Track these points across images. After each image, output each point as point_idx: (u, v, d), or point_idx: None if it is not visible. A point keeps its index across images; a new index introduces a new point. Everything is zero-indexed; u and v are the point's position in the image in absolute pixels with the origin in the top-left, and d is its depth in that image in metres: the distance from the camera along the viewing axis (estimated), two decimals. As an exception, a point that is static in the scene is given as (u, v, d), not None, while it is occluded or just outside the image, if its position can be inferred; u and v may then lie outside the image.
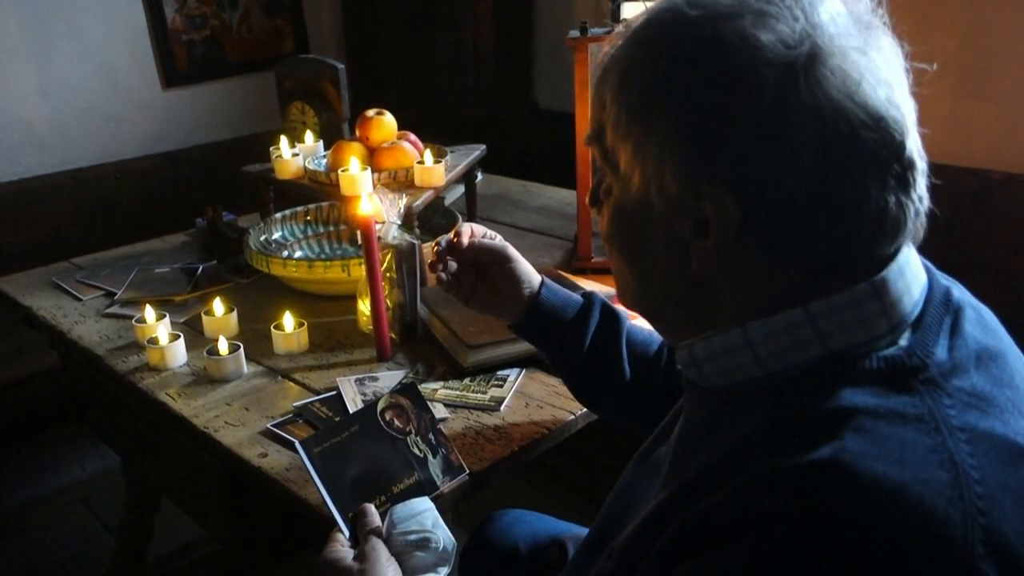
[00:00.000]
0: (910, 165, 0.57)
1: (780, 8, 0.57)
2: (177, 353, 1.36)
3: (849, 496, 0.49)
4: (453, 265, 1.05)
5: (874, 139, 0.55)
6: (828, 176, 0.55)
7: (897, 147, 0.56)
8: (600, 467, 2.14)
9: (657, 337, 1.06)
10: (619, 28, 0.65)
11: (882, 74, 0.57)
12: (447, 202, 1.97)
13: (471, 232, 1.06)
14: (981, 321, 0.63)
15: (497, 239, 1.07)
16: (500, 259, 1.04)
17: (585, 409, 1.18)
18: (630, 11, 2.61)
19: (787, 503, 0.50)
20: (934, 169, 0.60)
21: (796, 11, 0.57)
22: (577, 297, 1.06)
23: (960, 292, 0.64)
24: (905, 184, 0.57)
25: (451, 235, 1.06)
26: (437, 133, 1.89)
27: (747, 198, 0.57)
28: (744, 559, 0.51)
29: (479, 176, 2.04)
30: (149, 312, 1.44)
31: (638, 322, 1.08)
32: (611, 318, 1.05)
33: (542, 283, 1.05)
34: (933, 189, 0.60)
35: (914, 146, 0.58)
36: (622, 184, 0.64)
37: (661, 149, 0.59)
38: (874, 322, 0.58)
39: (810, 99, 0.55)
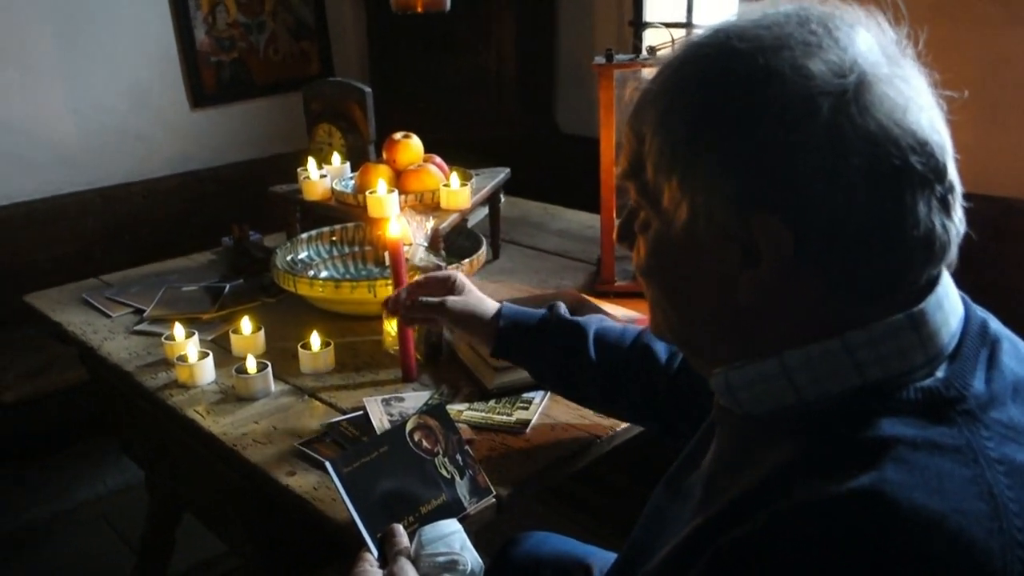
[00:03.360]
0: (951, 188, 0.59)
1: (823, 39, 0.58)
2: (206, 371, 1.38)
3: (889, 526, 0.50)
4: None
5: (921, 163, 0.57)
6: (881, 201, 0.56)
7: (941, 171, 0.58)
8: (620, 492, 2.14)
9: (631, 332, 1.10)
10: (642, 66, 0.66)
11: (922, 100, 0.58)
12: (470, 224, 1.99)
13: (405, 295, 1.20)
14: (1017, 354, 0.63)
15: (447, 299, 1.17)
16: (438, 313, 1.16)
17: (611, 433, 1.19)
18: (652, 38, 2.64)
19: (827, 531, 0.51)
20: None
21: (840, 42, 0.58)
22: (538, 312, 1.13)
23: (996, 324, 0.65)
24: (947, 207, 0.58)
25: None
26: (458, 155, 1.91)
27: (801, 226, 0.57)
28: None
29: (502, 199, 2.06)
30: (178, 329, 1.46)
31: (608, 322, 1.14)
32: (570, 327, 1.11)
33: (499, 310, 1.14)
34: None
35: (953, 169, 0.59)
36: (665, 218, 0.64)
37: (711, 181, 0.60)
38: (911, 353, 0.58)
39: (862, 125, 0.56)
